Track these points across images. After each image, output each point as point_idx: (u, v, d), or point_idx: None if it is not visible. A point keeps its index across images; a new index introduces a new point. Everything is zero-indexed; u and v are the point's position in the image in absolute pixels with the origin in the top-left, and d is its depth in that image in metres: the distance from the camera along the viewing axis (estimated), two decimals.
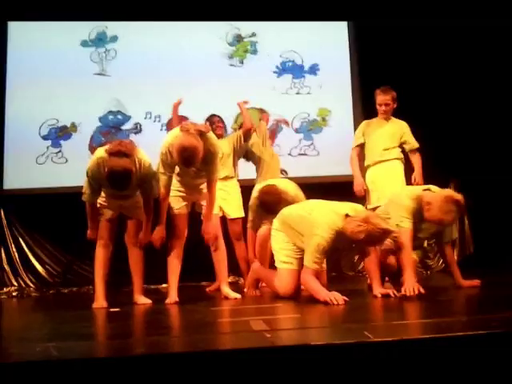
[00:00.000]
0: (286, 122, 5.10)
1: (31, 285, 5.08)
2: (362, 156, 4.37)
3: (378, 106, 4.30)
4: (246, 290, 3.80)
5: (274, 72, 5.62)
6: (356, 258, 5.19)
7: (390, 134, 4.25)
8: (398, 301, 2.90)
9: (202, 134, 3.29)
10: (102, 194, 3.45)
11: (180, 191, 3.55)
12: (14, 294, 4.87)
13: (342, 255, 4.84)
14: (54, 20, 5.34)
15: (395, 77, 5.27)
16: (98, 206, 3.45)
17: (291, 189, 3.93)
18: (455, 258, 3.63)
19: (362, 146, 4.31)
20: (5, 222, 5.22)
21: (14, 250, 5.18)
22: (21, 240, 5.21)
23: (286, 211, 3.49)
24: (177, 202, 3.54)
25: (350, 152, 4.40)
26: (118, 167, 3.09)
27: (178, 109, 4.69)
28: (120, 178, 3.11)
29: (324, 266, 3.45)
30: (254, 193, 4.06)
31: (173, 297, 3.43)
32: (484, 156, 5.21)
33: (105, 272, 3.44)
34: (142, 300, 3.46)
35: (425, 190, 3.42)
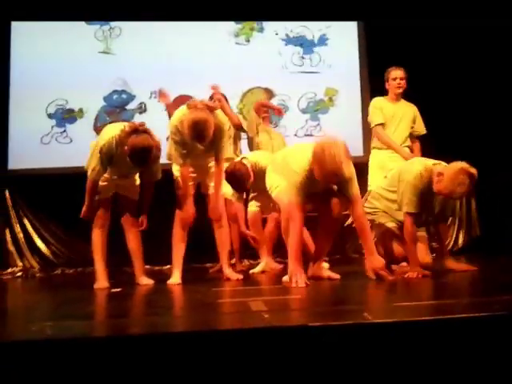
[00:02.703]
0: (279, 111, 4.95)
1: (36, 265, 5.09)
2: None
3: (392, 81, 4.14)
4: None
5: (280, 51, 5.53)
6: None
7: (408, 119, 4.14)
8: (400, 283, 2.86)
9: (210, 110, 3.25)
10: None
11: None
12: (19, 274, 4.90)
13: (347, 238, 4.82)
14: (56, 20, 5.29)
15: (404, 58, 5.17)
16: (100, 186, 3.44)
17: (263, 160, 3.78)
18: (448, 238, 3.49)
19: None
20: (10, 202, 5.22)
21: (19, 230, 5.18)
22: (25, 220, 5.20)
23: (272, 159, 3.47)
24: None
25: (372, 131, 4.24)
26: (141, 143, 3.11)
27: (168, 97, 4.72)
28: (143, 153, 3.11)
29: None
30: None
31: (176, 277, 3.40)
32: (489, 144, 5.15)
33: (104, 252, 3.43)
34: (145, 281, 3.45)
35: (435, 164, 3.27)
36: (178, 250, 3.49)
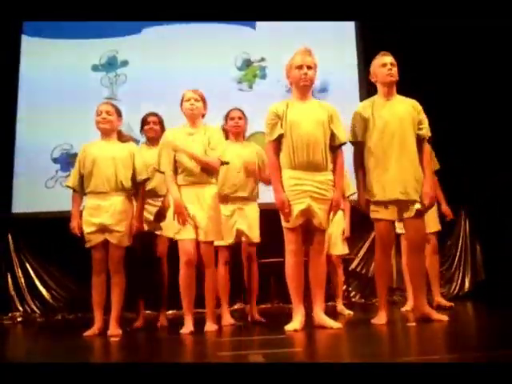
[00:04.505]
0: None
1: (36, 310, 5.05)
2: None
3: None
4: None
5: (284, 97, 5.60)
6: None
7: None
8: (405, 333, 2.80)
9: None
10: (88, 217, 3.43)
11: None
12: (19, 319, 4.85)
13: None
14: (67, 20, 5.29)
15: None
16: (86, 234, 3.47)
17: None
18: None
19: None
20: (12, 246, 5.22)
21: (21, 274, 5.17)
22: (27, 264, 5.21)
23: None
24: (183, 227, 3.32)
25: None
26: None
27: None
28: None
29: None
30: None
31: (189, 326, 3.27)
32: (495, 182, 5.13)
33: (100, 298, 3.46)
34: (115, 331, 3.40)
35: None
36: (189, 295, 3.31)
